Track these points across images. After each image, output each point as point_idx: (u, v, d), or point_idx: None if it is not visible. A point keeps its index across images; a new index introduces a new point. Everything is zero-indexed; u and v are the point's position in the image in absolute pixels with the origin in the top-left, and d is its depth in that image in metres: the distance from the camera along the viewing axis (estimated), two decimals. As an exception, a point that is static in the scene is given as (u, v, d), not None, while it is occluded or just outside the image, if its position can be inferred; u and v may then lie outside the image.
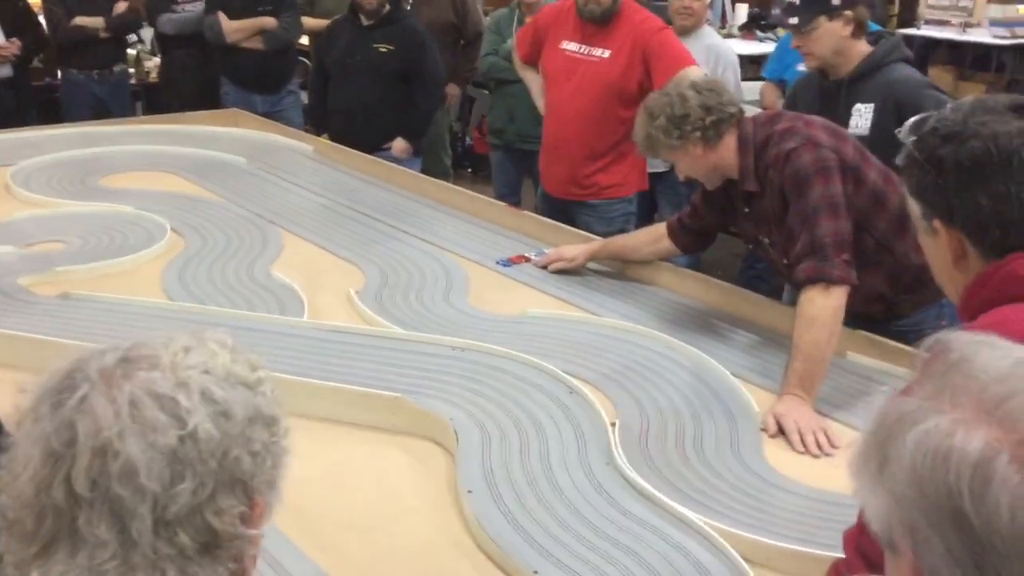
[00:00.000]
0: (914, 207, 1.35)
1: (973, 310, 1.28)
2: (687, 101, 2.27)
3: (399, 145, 4.51)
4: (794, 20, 2.76)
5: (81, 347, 2.17)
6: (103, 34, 5.29)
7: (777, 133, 2.29)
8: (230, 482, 0.81)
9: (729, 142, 2.31)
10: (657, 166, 4.14)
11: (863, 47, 2.78)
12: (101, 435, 0.78)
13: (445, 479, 1.86)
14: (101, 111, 5.25)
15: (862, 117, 2.74)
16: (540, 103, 3.76)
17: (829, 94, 2.82)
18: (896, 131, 1.37)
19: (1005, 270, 1.25)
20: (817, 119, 2.34)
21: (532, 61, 3.75)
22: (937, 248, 1.33)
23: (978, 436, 0.70)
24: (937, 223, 1.31)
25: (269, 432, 0.85)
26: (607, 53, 3.46)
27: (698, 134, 2.27)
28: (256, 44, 5.08)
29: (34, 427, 0.80)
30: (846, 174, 2.23)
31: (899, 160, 1.36)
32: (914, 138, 1.32)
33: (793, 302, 2.67)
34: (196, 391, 0.81)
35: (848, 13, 2.71)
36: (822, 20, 2.71)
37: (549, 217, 3.39)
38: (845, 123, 2.73)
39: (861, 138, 2.62)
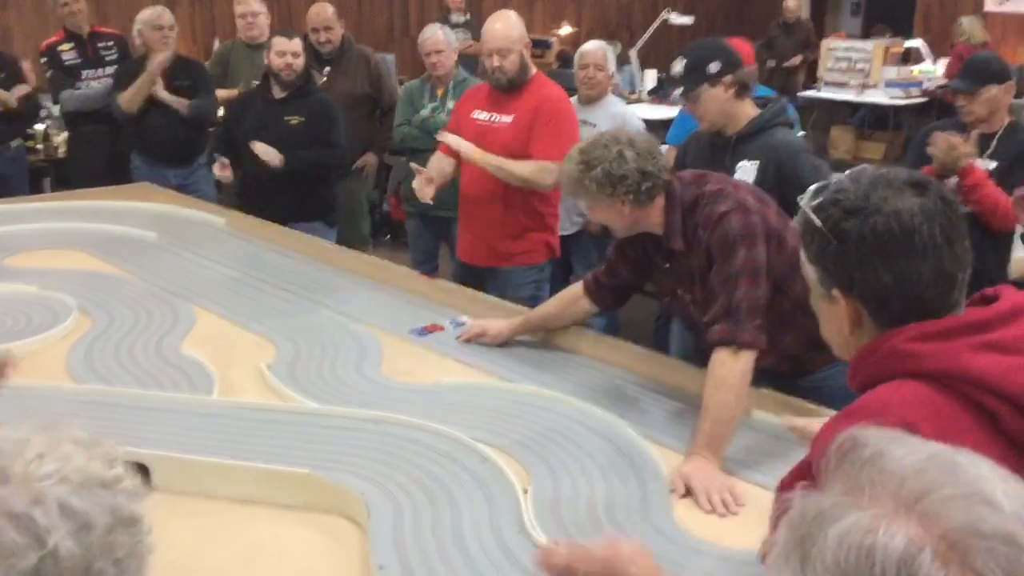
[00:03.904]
0: (811, 272, 1.37)
1: (860, 381, 1.31)
2: (626, 162, 2.29)
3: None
4: (678, 90, 2.92)
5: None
6: None
7: (707, 194, 2.35)
8: None
9: (657, 203, 2.36)
10: (567, 228, 4.22)
11: (750, 109, 2.94)
12: None
13: (358, 555, 1.84)
14: (0, 187, 5.14)
15: (746, 173, 2.88)
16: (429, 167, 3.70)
17: (717, 150, 2.98)
18: (797, 198, 1.41)
19: (887, 345, 1.27)
20: (742, 183, 2.42)
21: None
22: (834, 314, 1.36)
23: (900, 532, 0.71)
24: (836, 292, 1.33)
25: (131, 535, 0.83)
26: (510, 119, 3.55)
27: (631, 196, 2.31)
28: (180, 106, 4.98)
29: None
30: (770, 240, 2.29)
31: (796, 224, 1.38)
32: (815, 204, 1.33)
33: (685, 354, 2.74)
34: (53, 506, 0.78)
35: (727, 79, 2.85)
36: (704, 88, 2.86)
37: (463, 284, 3.42)
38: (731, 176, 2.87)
39: None
